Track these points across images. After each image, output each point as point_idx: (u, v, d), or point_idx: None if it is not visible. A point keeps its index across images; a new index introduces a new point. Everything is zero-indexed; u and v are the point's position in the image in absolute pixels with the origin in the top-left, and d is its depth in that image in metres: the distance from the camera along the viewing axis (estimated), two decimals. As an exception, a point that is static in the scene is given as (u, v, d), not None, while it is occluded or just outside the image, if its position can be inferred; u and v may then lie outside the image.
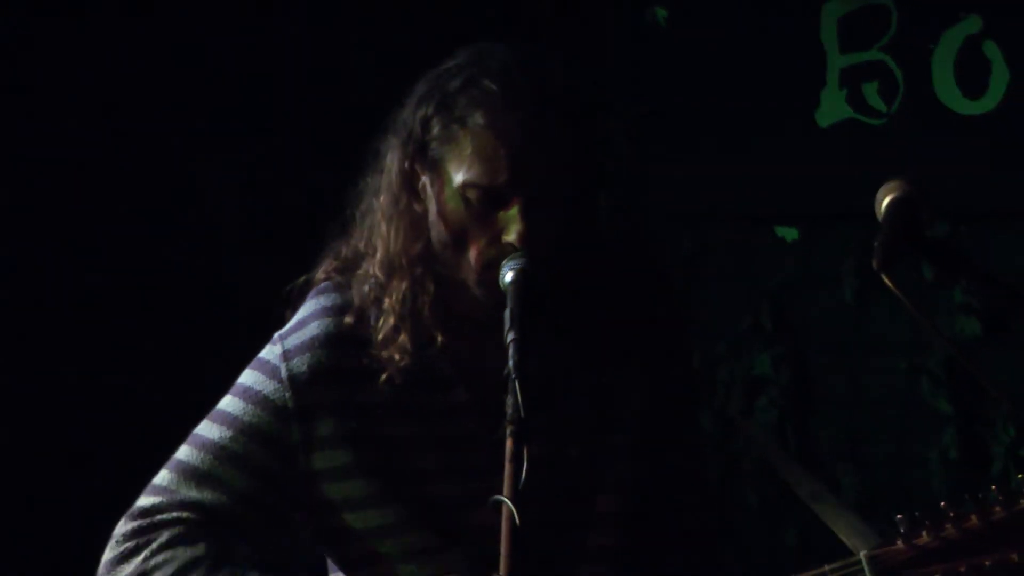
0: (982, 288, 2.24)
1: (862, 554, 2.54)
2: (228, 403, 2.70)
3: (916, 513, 2.52)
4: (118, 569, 2.66)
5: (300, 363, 2.67)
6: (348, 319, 2.69)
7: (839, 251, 5.29)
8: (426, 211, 2.64)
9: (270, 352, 2.71)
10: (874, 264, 2.38)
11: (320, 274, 2.77)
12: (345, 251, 2.75)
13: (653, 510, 2.76)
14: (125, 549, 2.65)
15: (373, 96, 2.78)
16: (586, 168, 2.63)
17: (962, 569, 2.49)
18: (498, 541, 2.31)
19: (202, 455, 2.67)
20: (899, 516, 2.53)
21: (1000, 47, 5.17)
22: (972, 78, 5.19)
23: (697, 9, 5.41)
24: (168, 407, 3.55)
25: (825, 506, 2.71)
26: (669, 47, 5.41)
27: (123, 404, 5.01)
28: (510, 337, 2.43)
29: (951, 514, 2.51)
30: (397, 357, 2.64)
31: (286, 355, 2.68)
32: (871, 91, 5.29)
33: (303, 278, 2.78)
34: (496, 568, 2.31)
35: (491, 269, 2.56)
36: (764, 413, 5.32)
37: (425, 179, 2.63)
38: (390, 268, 2.66)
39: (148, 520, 2.66)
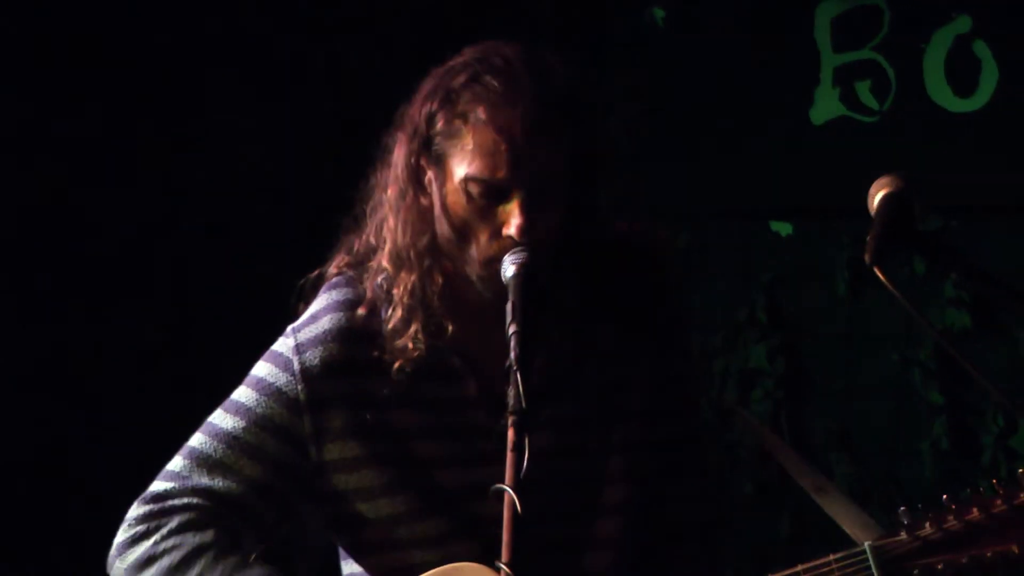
0: (972, 282, 2.23)
1: (866, 544, 2.53)
2: (242, 394, 2.70)
3: (919, 505, 2.53)
4: (129, 552, 2.66)
5: (312, 356, 2.67)
6: (360, 312, 2.68)
7: (833, 246, 5.29)
8: (432, 205, 2.64)
9: (283, 345, 2.71)
10: (867, 258, 2.38)
11: (332, 268, 2.77)
12: (356, 245, 2.75)
13: (658, 499, 2.76)
14: (136, 532, 2.66)
15: (379, 94, 2.78)
16: (586, 164, 2.63)
17: (964, 561, 2.49)
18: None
19: (215, 444, 2.67)
20: (902, 508, 2.52)
21: (990, 46, 5.17)
22: (962, 77, 5.19)
23: (694, 10, 5.41)
24: (183, 397, 3.55)
25: (827, 497, 2.71)
26: (667, 47, 5.41)
27: (138, 395, 5.01)
28: (512, 330, 2.44)
29: (953, 506, 2.50)
30: (409, 347, 2.64)
31: (299, 348, 2.68)
32: (864, 89, 5.29)
33: (316, 272, 2.78)
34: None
35: (493, 263, 2.56)
36: (759, 404, 5.33)
37: (431, 173, 2.63)
38: (399, 260, 2.67)
39: (159, 505, 2.66)
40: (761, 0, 5.35)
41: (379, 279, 2.69)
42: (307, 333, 2.69)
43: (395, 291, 2.66)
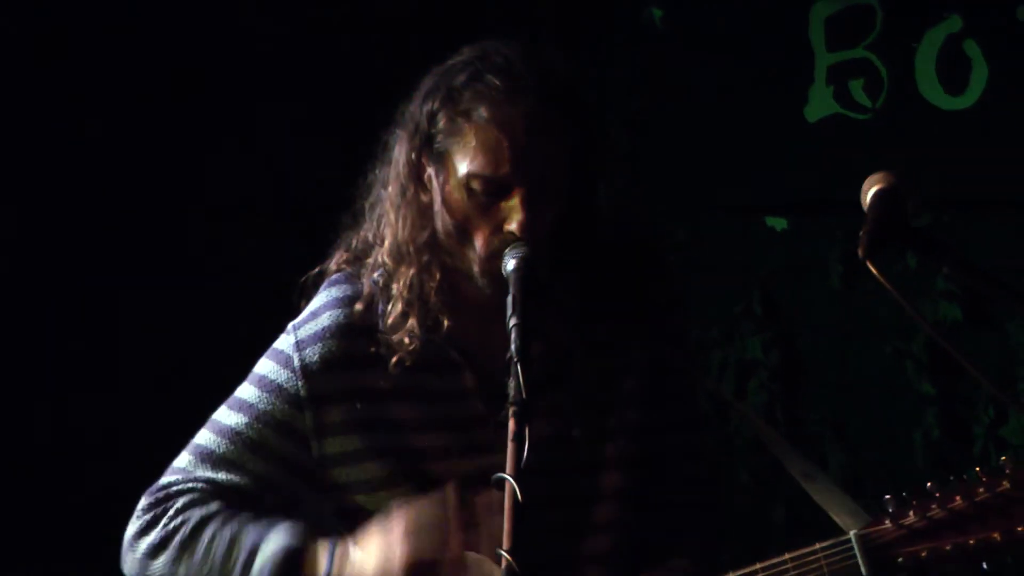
0: (963, 276, 2.23)
1: (852, 533, 2.54)
2: (244, 390, 2.71)
3: (904, 493, 2.52)
4: (139, 542, 2.68)
5: (312, 353, 2.68)
6: (358, 307, 2.69)
7: (826, 240, 5.28)
8: (432, 201, 2.64)
9: (284, 342, 2.71)
10: (860, 252, 2.38)
11: (332, 265, 2.77)
12: (356, 242, 2.75)
13: (656, 485, 2.76)
14: (144, 521, 2.69)
15: (380, 93, 2.78)
16: (586, 160, 2.63)
17: (947, 548, 2.49)
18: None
19: (220, 440, 2.69)
20: (887, 496, 2.53)
21: (980, 45, 5.16)
22: (953, 75, 5.18)
23: (691, 10, 5.41)
24: (187, 395, 3.55)
25: (816, 485, 2.71)
26: (664, 45, 5.41)
27: (141, 394, 5.00)
28: (512, 322, 2.44)
29: (937, 494, 2.51)
30: (406, 341, 2.64)
31: (299, 345, 2.69)
32: (857, 87, 5.28)
33: (316, 269, 2.78)
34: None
35: (494, 258, 2.57)
36: (755, 395, 5.33)
37: (431, 170, 2.63)
38: (398, 256, 2.67)
39: (164, 492, 2.69)
40: (757, 1, 5.35)
41: (377, 273, 2.69)
42: (307, 330, 2.70)
43: (394, 286, 2.67)
